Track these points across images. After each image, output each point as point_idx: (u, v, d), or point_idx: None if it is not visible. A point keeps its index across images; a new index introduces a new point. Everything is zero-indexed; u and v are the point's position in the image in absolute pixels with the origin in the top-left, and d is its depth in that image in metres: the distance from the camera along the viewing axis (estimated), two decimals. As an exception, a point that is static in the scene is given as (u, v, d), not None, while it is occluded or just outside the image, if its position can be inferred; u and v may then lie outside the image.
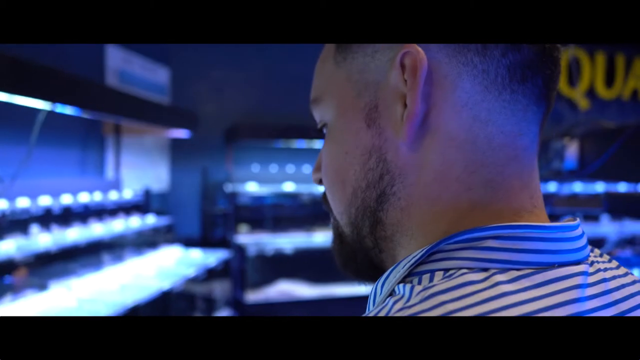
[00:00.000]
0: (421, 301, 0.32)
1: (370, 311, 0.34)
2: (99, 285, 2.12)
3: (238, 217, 3.63)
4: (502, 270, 0.33)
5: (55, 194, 2.26)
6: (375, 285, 0.41)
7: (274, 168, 3.86)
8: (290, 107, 3.86)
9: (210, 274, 2.71)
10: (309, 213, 3.90)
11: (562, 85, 4.13)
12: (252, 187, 3.66)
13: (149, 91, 3.18)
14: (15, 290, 1.79)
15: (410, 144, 0.37)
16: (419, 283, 0.35)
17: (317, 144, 3.79)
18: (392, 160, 0.38)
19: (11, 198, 1.98)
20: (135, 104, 2.41)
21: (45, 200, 2.17)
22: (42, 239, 2.02)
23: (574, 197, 2.77)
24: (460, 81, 0.36)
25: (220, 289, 2.92)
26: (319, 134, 0.46)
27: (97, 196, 2.56)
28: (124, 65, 2.97)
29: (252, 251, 3.52)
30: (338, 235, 0.45)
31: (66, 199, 2.30)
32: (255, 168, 3.81)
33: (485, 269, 0.33)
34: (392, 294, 0.36)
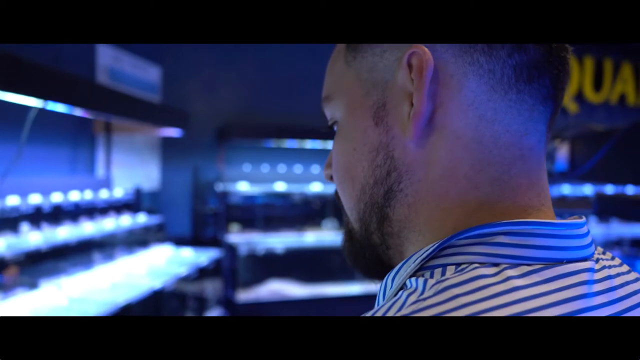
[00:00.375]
0: (435, 294, 0.33)
1: (382, 305, 0.35)
2: (90, 284, 2.11)
3: (229, 216, 3.62)
4: (513, 266, 0.34)
5: (46, 192, 2.24)
6: (385, 279, 0.41)
7: (265, 168, 3.85)
8: (282, 107, 3.86)
9: (201, 273, 2.70)
10: (300, 213, 3.91)
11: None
12: (243, 187, 3.65)
13: (139, 89, 3.16)
14: (5, 288, 1.77)
15: (417, 142, 0.38)
16: (431, 277, 0.35)
17: (308, 144, 3.80)
18: (399, 158, 0.39)
19: (1, 196, 1.96)
20: (126, 102, 2.39)
21: (35, 199, 2.15)
22: (33, 238, 2.00)
23: (562, 199, 2.80)
24: (467, 81, 0.37)
25: (211, 288, 2.91)
26: (329, 131, 0.46)
27: (88, 195, 2.54)
28: (115, 63, 2.96)
29: (243, 250, 3.51)
30: (348, 232, 0.47)
31: (56, 197, 2.29)
32: (247, 167, 3.80)
33: (496, 264, 0.34)
34: (403, 287, 0.37)
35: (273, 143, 3.78)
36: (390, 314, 0.33)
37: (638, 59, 4.84)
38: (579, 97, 4.63)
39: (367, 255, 0.45)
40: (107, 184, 2.88)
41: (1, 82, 1.54)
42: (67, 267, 2.10)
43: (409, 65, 0.37)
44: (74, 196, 2.42)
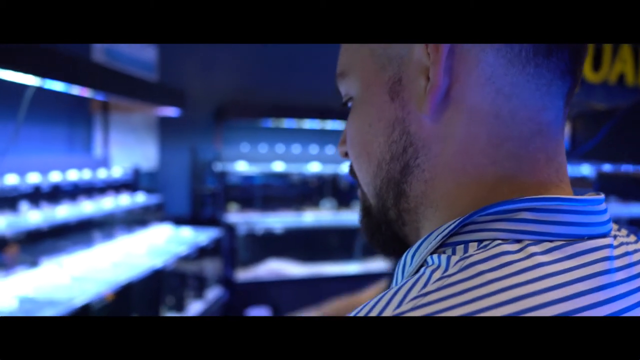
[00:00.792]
0: (460, 270, 0.33)
1: (406, 281, 0.34)
2: (90, 263, 2.11)
3: (227, 196, 3.62)
4: (536, 242, 0.34)
5: (44, 171, 2.23)
6: (404, 256, 0.41)
7: (263, 147, 3.84)
8: (280, 86, 3.83)
9: (200, 253, 2.71)
10: (299, 193, 3.91)
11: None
12: (241, 167, 3.65)
13: (136, 68, 3.12)
14: (6, 266, 1.77)
15: (433, 117, 0.38)
16: (454, 254, 0.35)
17: (307, 123, 3.78)
18: (415, 133, 0.39)
19: (0, 175, 1.95)
20: (123, 81, 2.37)
21: (34, 178, 2.14)
22: (32, 217, 2.00)
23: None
24: (484, 55, 0.36)
25: (210, 267, 2.92)
26: (344, 108, 0.46)
27: (86, 174, 2.53)
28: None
29: (242, 230, 3.52)
30: (365, 208, 0.46)
31: (55, 177, 2.27)
32: (245, 147, 3.79)
33: (518, 240, 0.34)
34: (424, 264, 0.37)
35: (271, 122, 3.76)
36: (414, 290, 0.33)
37: (637, 38, 4.81)
38: (578, 77, 4.62)
39: (384, 231, 0.44)
40: (105, 163, 2.86)
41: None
42: (67, 246, 2.10)
43: None
44: (73, 175, 2.41)
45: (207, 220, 3.46)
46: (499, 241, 0.34)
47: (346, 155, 0.46)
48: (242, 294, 3.25)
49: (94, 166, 2.69)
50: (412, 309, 0.31)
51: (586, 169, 3.48)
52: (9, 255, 1.80)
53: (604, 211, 0.38)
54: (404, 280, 0.35)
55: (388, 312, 0.32)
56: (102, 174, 2.68)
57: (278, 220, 3.64)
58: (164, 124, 3.54)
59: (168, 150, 3.58)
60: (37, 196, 2.14)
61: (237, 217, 3.51)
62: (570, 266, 0.33)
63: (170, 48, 3.50)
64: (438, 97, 0.37)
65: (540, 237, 0.34)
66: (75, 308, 1.61)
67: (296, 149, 3.92)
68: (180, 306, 2.43)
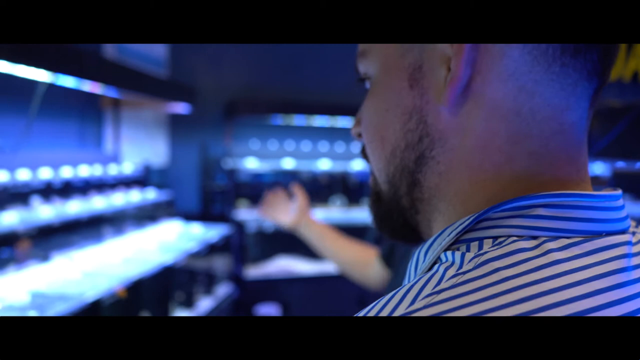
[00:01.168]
0: (474, 268, 0.32)
1: (419, 279, 0.34)
2: (101, 258, 2.12)
3: (237, 193, 3.62)
4: (552, 238, 0.33)
5: (55, 166, 2.24)
6: (417, 253, 0.40)
7: (273, 144, 3.84)
8: (290, 83, 3.82)
9: (210, 249, 2.71)
10: (308, 190, 3.89)
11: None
12: (251, 164, 3.65)
13: (146, 64, 3.13)
14: (18, 261, 1.78)
15: (452, 109, 0.37)
16: (468, 250, 0.34)
17: (317, 120, 3.77)
18: (432, 124, 0.38)
19: (12, 169, 1.96)
20: (134, 76, 2.37)
21: (45, 173, 2.15)
22: (44, 212, 2.01)
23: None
24: (509, 49, 0.35)
25: (220, 263, 2.93)
26: (360, 83, 0.45)
27: (97, 170, 2.54)
28: (123, 37, 2.93)
29: (251, 227, 3.52)
30: (376, 193, 0.46)
31: (66, 172, 2.29)
32: (254, 144, 3.79)
33: (534, 237, 0.33)
34: (437, 261, 0.36)
35: (281, 119, 3.76)
36: (428, 288, 0.32)
37: (652, 35, 4.75)
38: (591, 74, 4.57)
39: (395, 217, 0.44)
40: (115, 159, 2.87)
41: (11, 55, 1.53)
42: (78, 241, 2.11)
43: None
44: (84, 171, 2.42)
45: (216, 216, 3.47)
46: (515, 238, 0.33)
47: (360, 136, 0.45)
48: (251, 291, 3.25)
49: (105, 162, 2.70)
50: (425, 306, 0.30)
51: (600, 167, 3.44)
52: (21, 250, 1.81)
53: (622, 207, 0.37)
54: (417, 278, 0.34)
55: (401, 310, 0.31)
56: (112, 169, 2.69)
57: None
58: (174, 120, 3.55)
59: (178, 146, 3.59)
60: (49, 191, 2.15)
61: (247, 214, 3.51)
62: (588, 263, 0.32)
63: (181, 45, 3.51)
64: (457, 90, 0.36)
65: (556, 234, 0.34)
66: (87, 303, 1.62)
67: (306, 146, 3.92)
68: (189, 302, 2.44)
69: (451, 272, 0.32)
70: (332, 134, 3.98)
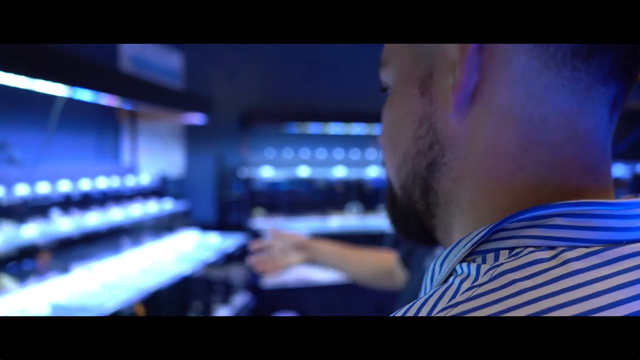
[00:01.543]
0: (490, 280, 0.31)
1: (434, 292, 0.33)
2: (120, 269, 2.14)
3: (253, 202, 3.63)
4: (570, 248, 0.32)
5: (74, 179, 2.27)
6: (432, 265, 0.40)
7: (288, 153, 3.85)
8: (304, 92, 3.84)
9: (227, 259, 2.72)
10: (324, 198, 3.90)
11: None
12: (267, 172, 3.66)
13: (162, 76, 3.17)
14: (39, 273, 1.81)
15: (459, 115, 0.36)
16: (484, 262, 0.34)
17: (332, 128, 3.78)
18: (441, 130, 0.37)
19: (32, 183, 2.00)
20: (151, 89, 2.40)
21: (64, 185, 2.18)
22: (63, 224, 2.03)
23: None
24: (515, 54, 0.34)
25: (237, 273, 2.93)
26: (383, 92, 0.45)
27: (115, 181, 2.57)
28: (138, 51, 2.97)
29: (268, 236, 3.52)
30: (391, 198, 0.46)
31: (85, 184, 2.32)
32: (270, 153, 3.80)
33: (552, 247, 0.32)
34: (452, 273, 0.36)
35: (296, 128, 3.77)
36: (443, 301, 0.31)
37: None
38: (609, 75, 4.51)
39: (411, 221, 0.44)
40: (133, 170, 2.91)
41: (31, 70, 1.56)
42: (97, 253, 2.13)
43: None
44: (102, 183, 2.45)
45: (233, 226, 3.48)
46: (532, 248, 0.33)
47: None
48: (268, 300, 3.25)
49: (122, 173, 2.73)
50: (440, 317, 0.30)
51: (621, 169, 3.38)
52: (42, 263, 1.83)
53: None
54: (433, 290, 0.34)
55: None
56: (130, 181, 2.72)
57: (304, 226, 3.64)
58: (190, 131, 3.58)
59: (194, 157, 3.62)
60: (68, 204, 2.18)
61: (263, 222, 3.52)
62: (609, 273, 0.31)
63: (196, 55, 3.55)
64: (462, 95, 0.35)
65: (575, 244, 0.32)
66: (106, 315, 1.63)
67: (321, 153, 3.92)
68: (207, 312, 2.44)
69: (467, 284, 0.32)
70: (347, 141, 3.98)
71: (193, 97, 3.03)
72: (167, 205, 2.89)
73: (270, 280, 3.37)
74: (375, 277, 1.32)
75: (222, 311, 2.57)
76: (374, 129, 3.85)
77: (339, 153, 3.95)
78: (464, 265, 0.34)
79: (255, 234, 3.42)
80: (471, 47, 0.34)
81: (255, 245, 1.32)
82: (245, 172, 3.58)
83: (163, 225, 2.77)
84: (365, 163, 3.95)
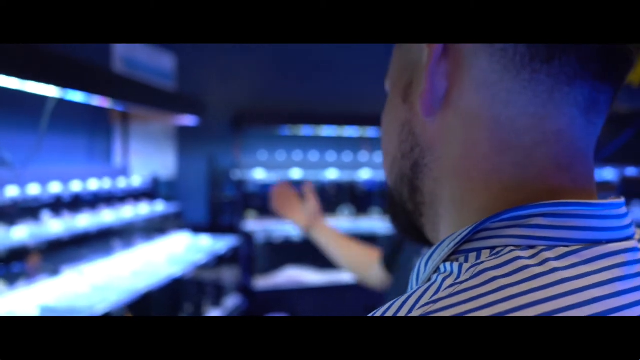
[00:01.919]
0: (471, 277, 0.32)
1: (417, 289, 0.34)
2: (111, 271, 2.13)
3: (245, 204, 3.63)
4: (549, 247, 0.33)
5: (65, 180, 2.26)
6: (418, 264, 0.41)
7: (281, 155, 3.85)
8: (297, 94, 3.84)
9: (219, 261, 2.72)
10: (316, 200, 3.90)
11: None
12: (259, 174, 3.66)
13: (155, 77, 3.16)
14: (28, 275, 1.80)
15: (434, 120, 0.38)
16: (466, 261, 0.35)
17: (324, 130, 3.78)
18: (420, 134, 0.40)
19: (22, 184, 1.99)
20: (144, 90, 2.40)
21: (55, 187, 2.17)
22: (54, 226, 2.03)
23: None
24: (477, 59, 0.35)
25: (229, 275, 2.93)
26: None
27: (106, 183, 2.56)
28: (130, 52, 2.96)
29: (260, 238, 3.52)
30: (390, 196, 0.49)
31: (76, 186, 2.31)
32: (262, 155, 3.80)
33: (532, 246, 0.33)
34: (436, 271, 0.37)
35: (289, 130, 3.77)
36: (425, 297, 0.33)
37: (660, 39, 4.72)
38: (599, 79, 4.54)
39: (403, 219, 0.47)
40: (124, 172, 2.90)
41: (21, 71, 1.55)
42: (87, 255, 2.12)
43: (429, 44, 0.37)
44: (93, 185, 2.44)
45: (225, 228, 3.47)
46: (512, 247, 0.34)
47: None
48: (260, 302, 3.25)
49: (114, 175, 2.72)
50: (422, 315, 0.31)
51: (609, 173, 3.41)
52: (32, 265, 1.82)
53: (624, 215, 0.36)
54: (416, 288, 0.35)
55: None
56: (121, 183, 2.71)
57: (296, 228, 3.63)
58: (183, 132, 3.57)
59: (186, 158, 3.61)
60: (59, 205, 2.17)
61: (255, 224, 3.52)
62: (587, 271, 0.32)
63: (188, 57, 3.54)
64: (428, 101, 0.37)
65: (554, 243, 0.34)
66: (96, 317, 1.62)
67: (314, 156, 3.93)
68: (198, 314, 2.44)
69: (449, 281, 0.33)
70: (340, 143, 3.99)
71: (185, 98, 3.03)
72: (159, 207, 2.88)
73: (262, 283, 3.37)
74: (354, 265, 1.37)
75: (213, 313, 2.57)
76: (366, 132, 3.86)
77: (331, 155, 3.96)
78: (447, 264, 0.36)
79: (248, 236, 3.42)
80: (433, 55, 0.36)
81: (283, 184, 1.41)
82: (237, 174, 3.57)
83: (154, 227, 2.76)
84: (357, 166, 3.96)
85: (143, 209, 2.71)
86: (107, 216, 2.37)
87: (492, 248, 0.34)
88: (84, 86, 1.88)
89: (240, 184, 3.57)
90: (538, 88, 0.35)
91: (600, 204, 0.35)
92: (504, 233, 0.34)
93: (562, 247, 0.33)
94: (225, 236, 3.01)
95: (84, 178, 2.40)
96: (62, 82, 1.74)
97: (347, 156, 3.99)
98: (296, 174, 3.75)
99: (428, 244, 0.45)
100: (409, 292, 0.35)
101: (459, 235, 0.36)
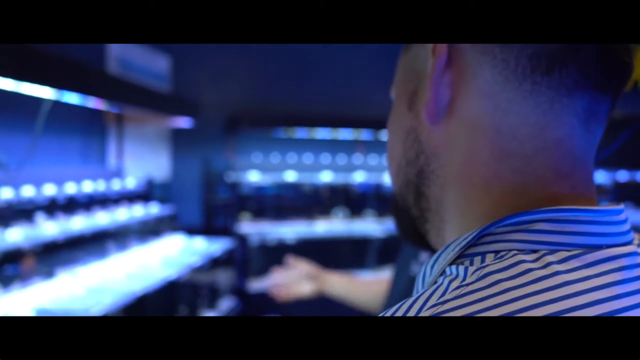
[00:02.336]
0: (477, 280, 0.33)
1: (423, 291, 0.35)
2: (105, 274, 2.12)
3: (240, 206, 3.63)
4: (552, 252, 0.34)
5: (59, 183, 2.25)
6: (424, 267, 0.42)
7: (275, 157, 3.85)
8: (292, 96, 3.85)
9: (213, 263, 2.71)
10: (311, 202, 3.91)
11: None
12: (253, 177, 3.66)
13: (149, 79, 3.16)
14: (23, 278, 1.78)
15: (438, 128, 0.39)
16: (471, 264, 0.36)
17: (319, 133, 3.79)
18: (425, 142, 0.41)
19: (16, 186, 1.97)
20: (138, 92, 2.39)
21: (50, 190, 2.16)
22: (48, 228, 2.02)
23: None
24: (480, 70, 0.37)
25: (223, 277, 2.92)
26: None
27: (101, 185, 2.55)
28: (125, 53, 2.95)
29: (254, 240, 3.52)
30: (395, 202, 0.49)
31: (70, 188, 2.30)
32: (257, 157, 3.80)
33: (535, 251, 0.35)
34: (442, 275, 0.38)
35: (283, 132, 3.78)
36: (433, 299, 0.34)
37: (651, 44, 4.78)
38: (591, 84, 4.58)
39: (407, 224, 0.47)
40: (119, 174, 2.89)
41: (16, 73, 1.54)
42: (82, 257, 2.11)
43: (434, 54, 0.38)
44: (87, 187, 2.43)
45: (219, 230, 3.47)
46: (515, 251, 0.35)
47: None
48: (254, 304, 3.24)
49: (108, 177, 2.71)
50: (430, 316, 0.32)
51: (602, 177, 3.44)
52: (26, 267, 1.81)
53: (624, 221, 0.37)
54: (423, 290, 0.36)
55: None
56: (116, 185, 2.71)
57: (290, 230, 3.64)
58: (177, 134, 3.57)
59: (181, 160, 3.61)
60: (53, 208, 2.16)
61: (250, 227, 3.51)
62: (588, 275, 0.33)
63: (183, 58, 3.54)
64: (432, 110, 0.38)
65: (556, 247, 0.35)
66: (91, 317, 1.61)
67: (308, 158, 3.93)
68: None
69: (455, 284, 0.34)
70: (334, 146, 4.00)
71: (180, 100, 3.03)
72: (153, 209, 2.88)
73: (256, 285, 3.37)
74: (378, 303, 1.36)
75: (208, 315, 2.56)
76: (360, 135, 3.87)
77: (325, 158, 3.97)
78: (453, 267, 0.37)
79: (242, 238, 3.42)
80: (438, 65, 0.37)
81: (275, 275, 1.42)
82: (232, 176, 3.57)
83: (149, 230, 2.75)
84: (351, 168, 3.97)
85: (137, 211, 2.70)
86: (101, 218, 2.36)
87: (497, 252, 0.36)
88: (78, 87, 1.87)
89: (234, 186, 3.57)
90: (539, 99, 0.36)
91: (600, 210, 0.36)
92: (507, 237, 0.36)
93: (564, 251, 0.34)
94: (220, 238, 3.01)
95: (78, 180, 2.39)
96: (56, 83, 1.74)
97: (342, 159, 4.00)
98: (290, 176, 3.75)
99: (430, 249, 0.46)
100: (416, 294, 0.35)
101: (464, 240, 0.37)
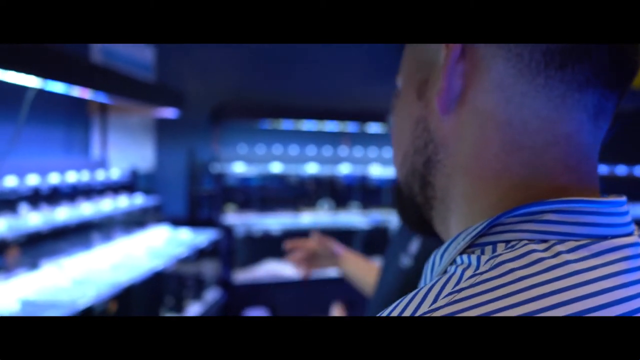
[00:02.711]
0: (491, 268, 0.34)
1: (437, 280, 0.36)
2: (90, 265, 2.11)
3: (225, 197, 3.62)
4: (561, 241, 0.36)
5: (43, 173, 2.22)
6: (433, 257, 0.43)
7: (260, 148, 3.84)
8: (278, 87, 3.83)
9: (199, 254, 2.71)
10: (296, 194, 3.91)
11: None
12: (239, 168, 3.64)
13: (134, 68, 3.11)
14: (7, 269, 1.76)
15: (449, 117, 0.40)
16: (482, 253, 0.37)
17: (304, 124, 3.78)
18: (434, 131, 0.41)
19: (-1, 177, 1.95)
20: (122, 82, 2.37)
21: (33, 180, 2.13)
22: (32, 219, 1.99)
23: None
24: (494, 63, 0.37)
25: (209, 268, 2.92)
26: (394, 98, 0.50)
27: (85, 175, 2.53)
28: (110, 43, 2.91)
29: (239, 231, 3.52)
30: (398, 190, 0.50)
31: (54, 179, 2.27)
32: (242, 148, 3.79)
33: (544, 240, 0.36)
34: (452, 264, 0.39)
35: (269, 124, 3.77)
36: (448, 287, 0.34)
37: None
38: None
39: (411, 212, 0.48)
40: (103, 164, 2.86)
41: (0, 61, 1.51)
42: (66, 248, 2.09)
43: (448, 45, 0.38)
44: (71, 177, 2.40)
45: (204, 221, 3.46)
46: (526, 241, 0.36)
47: None
48: (240, 296, 3.25)
49: (92, 167, 2.69)
50: (448, 304, 0.33)
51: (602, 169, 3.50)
52: (10, 258, 1.79)
53: (626, 213, 0.39)
54: (436, 279, 0.36)
55: (424, 308, 0.33)
56: (100, 175, 2.68)
57: (276, 222, 3.64)
58: (162, 125, 3.53)
59: (165, 151, 3.58)
60: (37, 198, 2.14)
61: (235, 218, 3.51)
62: (595, 264, 0.34)
63: (168, 49, 3.49)
64: (444, 99, 0.39)
65: (565, 237, 0.36)
66: (78, 310, 1.61)
67: (294, 150, 3.93)
68: (179, 307, 2.43)
69: (469, 272, 0.35)
70: (320, 138, 4.00)
71: (165, 90, 3.00)
72: (138, 200, 2.85)
73: (242, 276, 3.37)
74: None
75: (194, 306, 2.56)
76: (346, 127, 3.88)
77: (311, 150, 3.97)
78: (464, 256, 0.37)
79: (227, 230, 3.41)
80: (452, 55, 0.38)
81: (296, 243, 1.43)
82: (217, 168, 3.56)
83: (134, 220, 2.74)
84: (337, 160, 3.98)
85: (122, 202, 2.68)
86: (86, 209, 2.34)
87: (507, 242, 0.36)
88: (62, 76, 1.85)
89: (219, 178, 3.56)
90: (551, 93, 0.37)
91: (605, 202, 0.37)
92: (518, 228, 0.37)
93: (572, 241, 0.36)
94: (205, 230, 3.00)
95: (62, 170, 2.36)
96: (41, 72, 1.71)
97: (327, 150, 4.01)
98: (276, 167, 3.75)
99: (434, 236, 0.47)
100: (429, 283, 0.36)
101: (474, 230, 0.38)
